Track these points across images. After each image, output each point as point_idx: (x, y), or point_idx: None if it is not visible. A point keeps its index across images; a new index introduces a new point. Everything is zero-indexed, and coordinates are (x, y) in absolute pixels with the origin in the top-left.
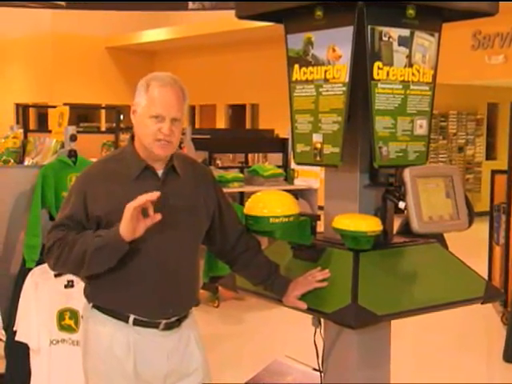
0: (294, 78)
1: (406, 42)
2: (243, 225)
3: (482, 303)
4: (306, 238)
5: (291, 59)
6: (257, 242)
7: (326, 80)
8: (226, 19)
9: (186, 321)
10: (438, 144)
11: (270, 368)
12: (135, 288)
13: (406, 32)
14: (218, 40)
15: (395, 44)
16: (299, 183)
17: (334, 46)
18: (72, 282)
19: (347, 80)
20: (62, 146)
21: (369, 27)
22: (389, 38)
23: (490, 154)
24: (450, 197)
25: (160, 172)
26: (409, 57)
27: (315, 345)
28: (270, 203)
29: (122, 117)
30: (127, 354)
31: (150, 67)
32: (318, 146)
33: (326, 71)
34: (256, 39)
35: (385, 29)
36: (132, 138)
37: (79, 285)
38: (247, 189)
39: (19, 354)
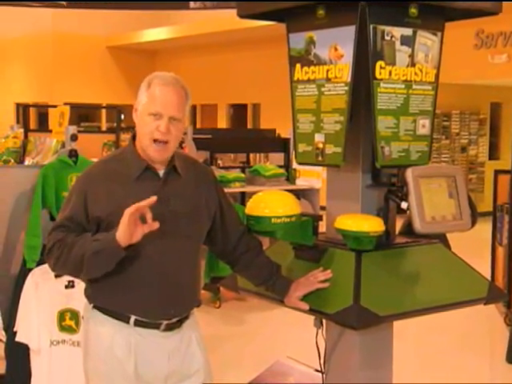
0: (295, 78)
1: (408, 41)
2: (244, 225)
3: (484, 304)
4: (307, 238)
5: (293, 58)
6: (258, 243)
7: (328, 79)
8: (227, 18)
9: (187, 321)
10: (441, 144)
11: (272, 369)
12: (136, 289)
13: (408, 31)
14: (220, 39)
15: (398, 43)
16: (301, 183)
17: (336, 46)
18: (72, 282)
19: (349, 79)
20: (63, 146)
21: (371, 26)
22: (391, 37)
23: (493, 153)
24: (452, 197)
25: (161, 172)
26: (411, 56)
27: (317, 346)
28: (271, 203)
29: (122, 116)
30: (128, 354)
31: (151, 67)
32: (320, 145)
33: (327, 71)
34: (257, 38)
35: (387, 28)
36: (133, 137)
37: (80, 285)
38: (248, 189)
39: (19, 354)
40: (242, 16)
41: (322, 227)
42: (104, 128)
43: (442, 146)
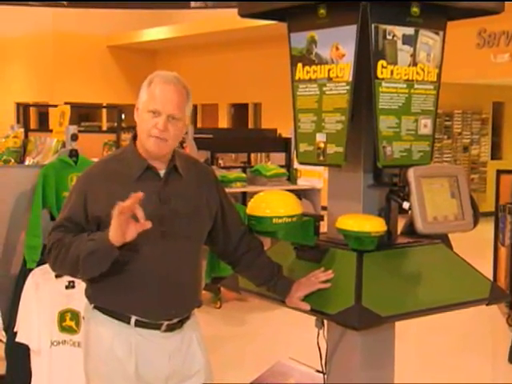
0: (297, 77)
1: (410, 40)
2: (246, 225)
3: (487, 304)
4: (309, 238)
5: (294, 58)
6: (259, 243)
7: (330, 79)
8: (228, 18)
9: (188, 322)
10: (443, 143)
11: (273, 369)
12: (137, 289)
13: (410, 30)
14: (220, 38)
15: (399, 42)
16: (302, 183)
17: (337, 45)
18: (73, 282)
19: (351, 79)
20: (63, 146)
21: (373, 25)
22: (393, 36)
23: (496, 153)
24: (454, 197)
25: (162, 172)
26: (413, 55)
27: (318, 346)
28: (272, 203)
29: (123, 116)
30: (129, 355)
31: (151, 66)
32: (322, 145)
33: (329, 70)
34: (259, 38)
35: (389, 27)
36: (134, 137)
37: (80, 285)
38: (250, 189)
39: (20, 355)
40: (243, 15)
41: (324, 227)
42: (104, 128)
43: (443, 146)
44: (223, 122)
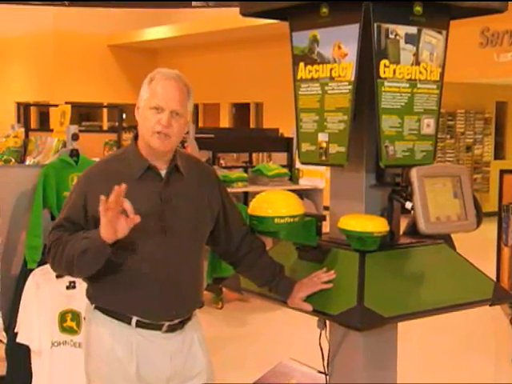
0: (299, 77)
1: (413, 39)
2: (248, 225)
3: (490, 305)
4: (311, 238)
5: (296, 57)
6: (261, 243)
7: (332, 78)
8: (229, 17)
9: (190, 323)
10: (446, 143)
11: (275, 370)
12: (138, 289)
13: (413, 29)
14: (222, 38)
15: (402, 42)
16: (304, 183)
17: (339, 44)
18: (74, 283)
19: (353, 78)
20: (64, 146)
21: (375, 25)
22: (395, 35)
23: (499, 153)
24: (457, 197)
25: (163, 172)
26: (416, 55)
27: (320, 347)
28: (274, 203)
29: (124, 116)
30: (130, 356)
31: (152, 65)
32: (324, 145)
33: (331, 69)
34: (260, 37)
35: (391, 26)
36: (135, 137)
37: (81, 286)
38: (251, 189)
39: (20, 356)
40: (244, 14)
41: (326, 227)
42: (105, 127)
43: (446, 146)
44: (225, 122)
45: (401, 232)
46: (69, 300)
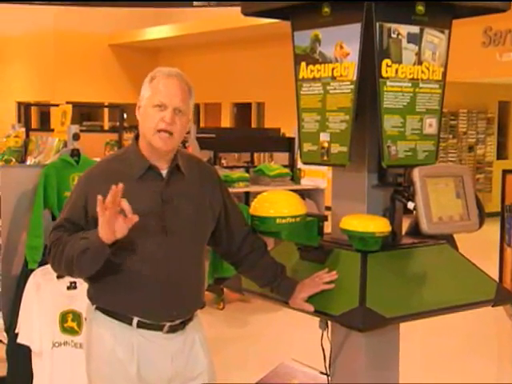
0: (300, 76)
1: (415, 38)
2: (249, 225)
3: (492, 306)
4: (312, 238)
5: (298, 57)
6: (263, 243)
7: (334, 78)
8: (231, 16)
9: (191, 323)
10: (448, 143)
11: (277, 371)
12: (139, 290)
13: (415, 29)
14: (223, 37)
15: (404, 41)
16: (306, 183)
17: (341, 43)
18: (75, 283)
19: (355, 78)
20: (65, 145)
21: (377, 24)
22: (398, 34)
23: (501, 153)
24: (460, 197)
25: (164, 172)
26: (418, 54)
27: (322, 348)
28: (276, 203)
29: (125, 115)
30: (131, 356)
31: (153, 65)
32: (326, 145)
33: (333, 69)
34: (262, 36)
35: (393, 25)
36: (136, 137)
37: (82, 286)
38: (253, 189)
39: (21, 356)
40: (246, 14)
41: (328, 228)
42: (106, 127)
43: (449, 146)
44: (226, 122)
45: (403, 232)
46: (70, 300)
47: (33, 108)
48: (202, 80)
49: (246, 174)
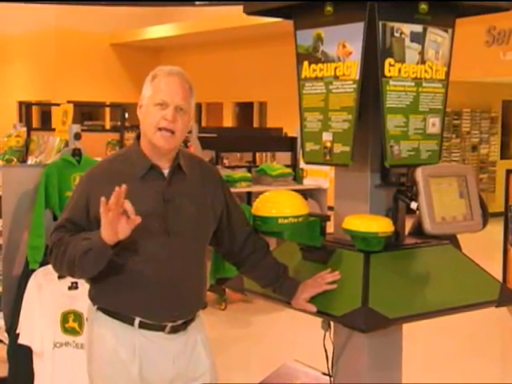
0: (303, 75)
1: (418, 38)
2: (251, 225)
3: (496, 306)
4: (315, 239)
5: (300, 56)
6: (265, 243)
7: (336, 77)
8: (233, 15)
9: (193, 324)
10: (451, 143)
11: (279, 372)
12: (140, 290)
13: (418, 28)
14: (225, 36)
15: (407, 40)
16: (308, 183)
17: (344, 43)
18: (76, 283)
19: (358, 77)
20: (66, 145)
21: (380, 23)
22: (401, 33)
23: (505, 152)
24: (463, 197)
25: (166, 171)
26: (421, 53)
27: (325, 348)
28: (278, 203)
29: (126, 115)
30: (132, 357)
31: (155, 64)
32: (328, 144)
33: (336, 68)
34: (264, 35)
35: (396, 24)
36: (138, 137)
37: (83, 287)
38: (255, 189)
39: (22, 357)
40: (248, 13)
41: (330, 228)
42: (108, 127)
43: (452, 145)
44: (228, 121)
45: (406, 232)
46: (71, 301)
47: (34, 107)
48: (204, 79)
49: (248, 174)
